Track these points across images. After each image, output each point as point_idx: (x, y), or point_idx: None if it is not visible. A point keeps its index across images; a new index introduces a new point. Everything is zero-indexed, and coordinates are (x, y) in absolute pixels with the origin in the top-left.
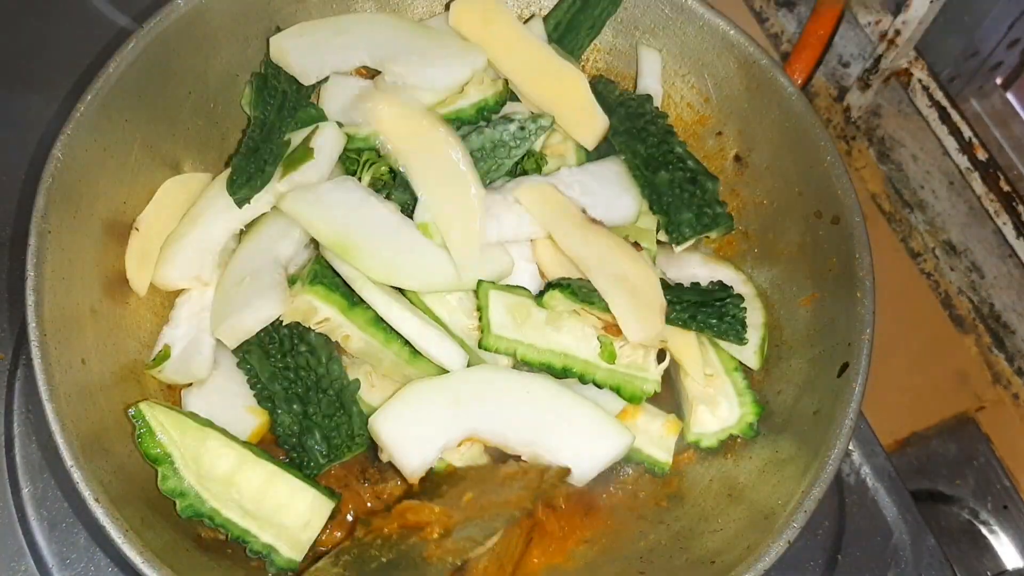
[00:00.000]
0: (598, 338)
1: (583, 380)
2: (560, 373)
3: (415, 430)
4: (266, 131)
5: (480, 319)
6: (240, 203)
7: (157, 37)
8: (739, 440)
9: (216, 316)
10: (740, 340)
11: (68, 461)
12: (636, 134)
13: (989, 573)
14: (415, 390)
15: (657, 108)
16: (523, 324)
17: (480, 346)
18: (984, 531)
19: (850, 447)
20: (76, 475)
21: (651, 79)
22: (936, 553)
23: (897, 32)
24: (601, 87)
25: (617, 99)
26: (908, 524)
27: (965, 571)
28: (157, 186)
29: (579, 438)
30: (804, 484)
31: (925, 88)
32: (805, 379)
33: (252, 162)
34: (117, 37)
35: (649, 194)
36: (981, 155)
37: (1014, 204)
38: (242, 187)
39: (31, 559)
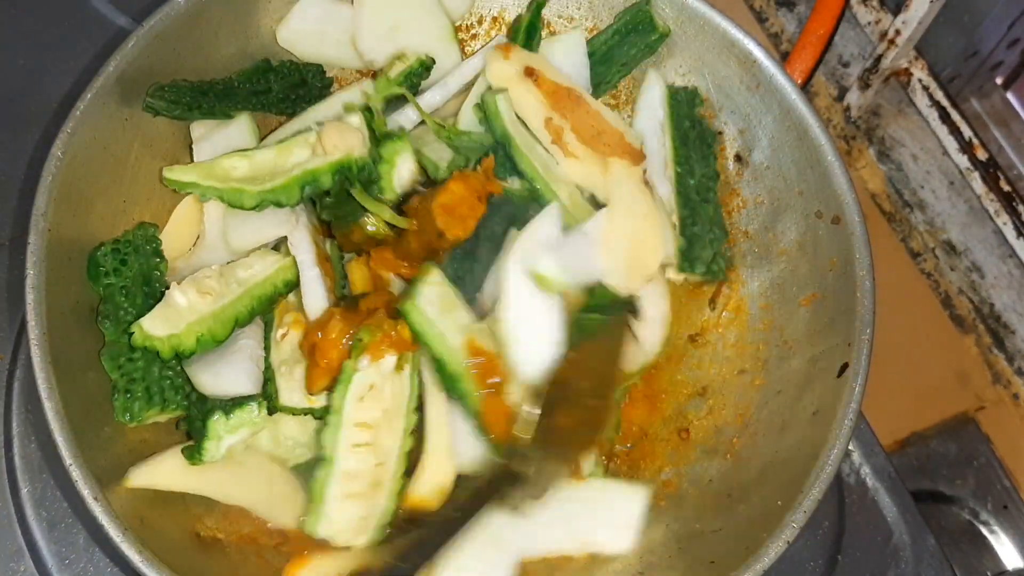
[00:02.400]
0: None
1: None
2: None
3: None
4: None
5: None
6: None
7: (157, 35)
8: (737, 441)
9: None
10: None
11: (67, 459)
12: (701, 159)
13: (989, 573)
14: None
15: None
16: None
17: None
18: (984, 531)
19: (850, 447)
20: (75, 473)
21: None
22: (936, 553)
23: (897, 32)
24: (683, 97)
25: (696, 116)
26: (908, 524)
27: (965, 571)
28: (157, 187)
29: None
30: (803, 485)
31: (925, 88)
32: (805, 379)
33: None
34: (116, 37)
35: (687, 215)
36: (981, 155)
37: (1014, 204)
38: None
39: (30, 559)
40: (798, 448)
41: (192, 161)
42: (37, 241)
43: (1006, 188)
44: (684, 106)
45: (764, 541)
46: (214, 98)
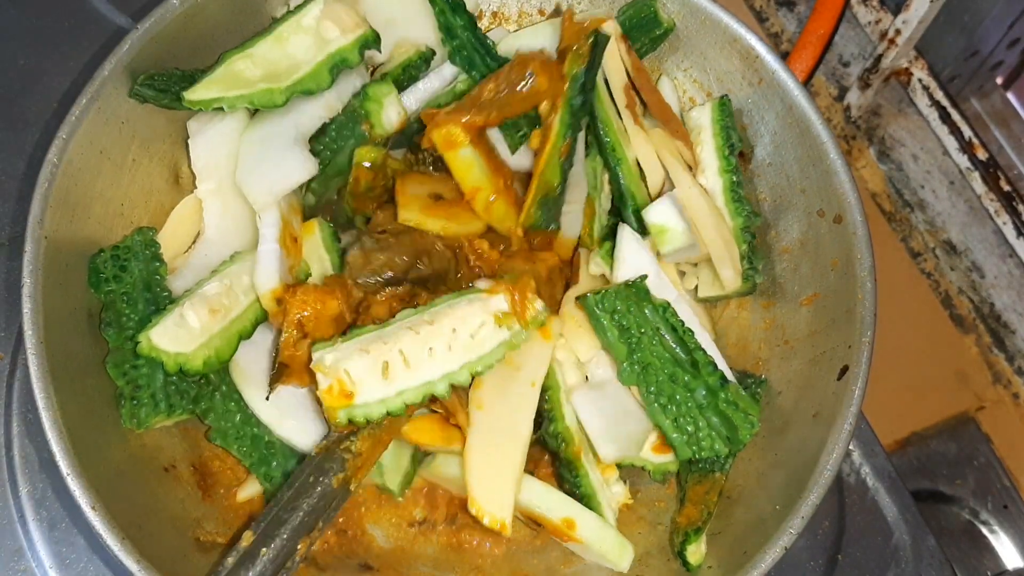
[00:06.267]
0: None
1: None
2: None
3: None
4: None
5: None
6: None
7: (153, 37)
8: None
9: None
10: None
11: (65, 469)
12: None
13: (989, 573)
14: None
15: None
16: None
17: None
18: (984, 531)
19: (850, 447)
20: (72, 483)
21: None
22: (936, 553)
23: (897, 32)
24: (728, 105)
25: (736, 126)
26: (908, 524)
27: (965, 571)
28: (155, 189)
29: None
30: (802, 489)
31: (925, 88)
32: (805, 381)
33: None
34: (115, 36)
35: (743, 224)
36: (981, 155)
37: (1014, 204)
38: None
39: (30, 559)
40: (797, 451)
41: (189, 161)
42: (33, 249)
43: (1006, 188)
44: (729, 116)
45: (762, 545)
46: None
